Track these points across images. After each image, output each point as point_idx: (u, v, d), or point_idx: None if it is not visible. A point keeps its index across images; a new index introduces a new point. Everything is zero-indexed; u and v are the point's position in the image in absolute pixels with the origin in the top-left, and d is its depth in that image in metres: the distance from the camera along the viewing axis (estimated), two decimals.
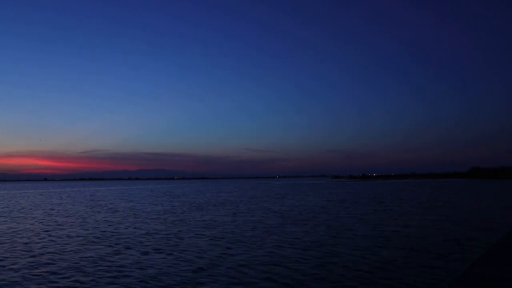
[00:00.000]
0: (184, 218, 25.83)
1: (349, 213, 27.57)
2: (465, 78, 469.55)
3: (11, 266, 12.24)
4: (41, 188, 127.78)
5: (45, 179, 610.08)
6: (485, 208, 30.38)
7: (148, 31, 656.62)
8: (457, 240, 15.67)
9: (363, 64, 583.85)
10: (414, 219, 23.22)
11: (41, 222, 24.86)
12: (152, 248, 15.03)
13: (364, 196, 51.24)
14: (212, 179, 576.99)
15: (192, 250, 14.61)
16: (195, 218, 26.03)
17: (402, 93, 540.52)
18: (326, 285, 9.81)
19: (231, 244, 15.73)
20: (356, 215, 26.06)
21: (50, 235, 18.97)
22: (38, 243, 16.74)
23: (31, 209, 37.11)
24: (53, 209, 35.99)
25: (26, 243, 16.66)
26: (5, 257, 13.73)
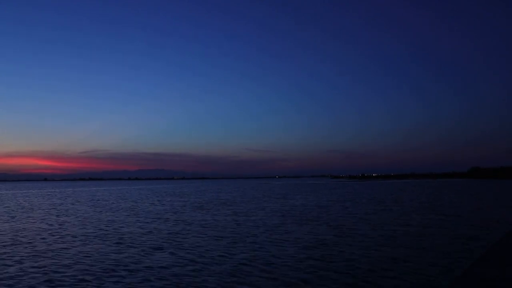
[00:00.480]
0: (185, 218, 25.92)
1: (349, 213, 27.66)
2: (465, 78, 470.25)
3: (15, 265, 12.34)
4: (41, 188, 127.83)
5: (45, 179, 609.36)
6: (485, 208, 30.46)
7: (148, 31, 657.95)
8: (457, 240, 15.76)
9: (363, 64, 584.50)
10: (414, 219, 23.31)
11: (43, 222, 24.96)
12: (154, 247, 15.13)
13: (364, 196, 51.32)
14: (212, 179, 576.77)
15: (193, 249, 14.71)
16: (196, 217, 26.12)
17: (402, 93, 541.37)
18: (328, 284, 9.90)
19: (233, 243, 15.83)
20: (357, 215, 26.15)
21: (52, 235, 19.07)
22: (40, 242, 16.84)
23: (32, 208, 37.19)
24: (54, 209, 36.09)
25: (29, 242, 16.76)
26: (9, 256, 13.83)
